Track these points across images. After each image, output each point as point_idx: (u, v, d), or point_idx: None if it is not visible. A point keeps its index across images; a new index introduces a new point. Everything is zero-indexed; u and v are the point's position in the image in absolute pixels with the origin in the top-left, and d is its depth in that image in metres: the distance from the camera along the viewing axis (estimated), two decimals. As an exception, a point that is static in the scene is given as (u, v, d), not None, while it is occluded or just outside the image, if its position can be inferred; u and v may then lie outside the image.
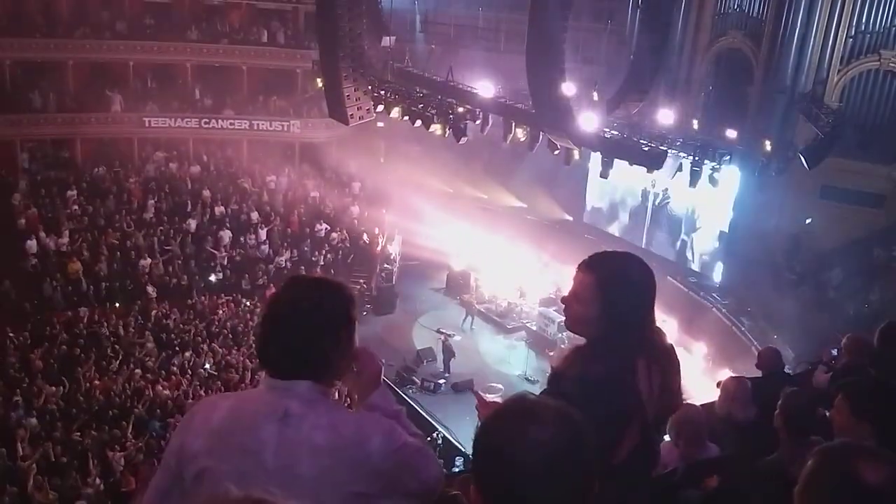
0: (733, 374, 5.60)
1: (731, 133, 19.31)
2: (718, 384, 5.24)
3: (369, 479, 1.95)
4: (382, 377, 2.24)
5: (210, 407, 2.09)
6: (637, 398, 2.20)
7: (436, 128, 20.29)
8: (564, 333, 20.67)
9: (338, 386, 2.28)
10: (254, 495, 1.13)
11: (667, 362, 2.31)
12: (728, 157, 18.82)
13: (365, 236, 25.47)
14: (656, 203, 24.27)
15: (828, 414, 3.92)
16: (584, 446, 1.42)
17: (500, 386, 18.68)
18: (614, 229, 25.99)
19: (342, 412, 2.08)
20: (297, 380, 1.98)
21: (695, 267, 23.46)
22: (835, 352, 6.61)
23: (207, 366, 18.25)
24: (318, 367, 2.01)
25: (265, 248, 24.03)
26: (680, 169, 19.06)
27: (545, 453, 1.37)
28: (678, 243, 23.73)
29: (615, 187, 24.94)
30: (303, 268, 23.25)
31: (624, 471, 2.20)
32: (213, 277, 22.62)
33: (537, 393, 2.56)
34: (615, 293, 2.20)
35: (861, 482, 1.54)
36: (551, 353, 20.31)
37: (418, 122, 20.72)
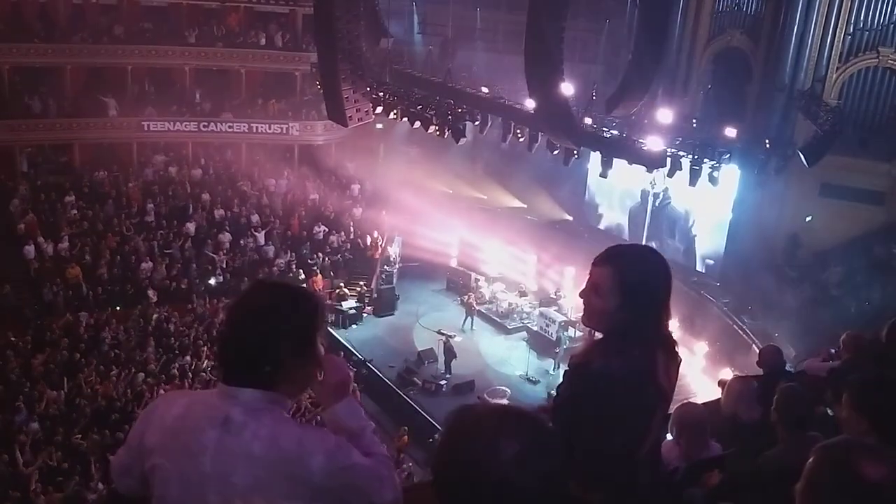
0: (738, 374, 5.58)
1: (731, 131, 19.30)
2: (720, 383, 5.20)
3: (306, 496, 1.90)
4: (353, 387, 2.17)
5: (168, 403, 2.07)
6: (660, 391, 2.20)
7: (434, 129, 20.30)
8: (565, 333, 20.71)
9: (297, 397, 2.22)
10: None
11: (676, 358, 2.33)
12: (727, 155, 18.82)
13: (365, 238, 25.47)
14: (657, 204, 24.26)
15: (829, 411, 3.93)
16: (553, 454, 1.40)
17: (506, 389, 18.67)
18: (614, 228, 25.99)
19: (287, 425, 1.98)
20: (244, 387, 1.93)
21: (696, 266, 23.46)
22: (834, 350, 6.61)
23: (209, 364, 18.23)
24: (270, 374, 1.94)
25: (265, 250, 24.02)
26: (679, 168, 19.05)
27: (517, 463, 1.35)
28: (679, 243, 23.71)
29: (613, 187, 24.94)
30: (302, 270, 23.27)
31: (644, 466, 2.20)
32: (212, 281, 22.61)
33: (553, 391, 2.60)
34: (633, 285, 2.19)
35: (862, 479, 1.54)
36: (557, 350, 20.34)
37: (417, 124, 20.73)
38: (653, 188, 23.95)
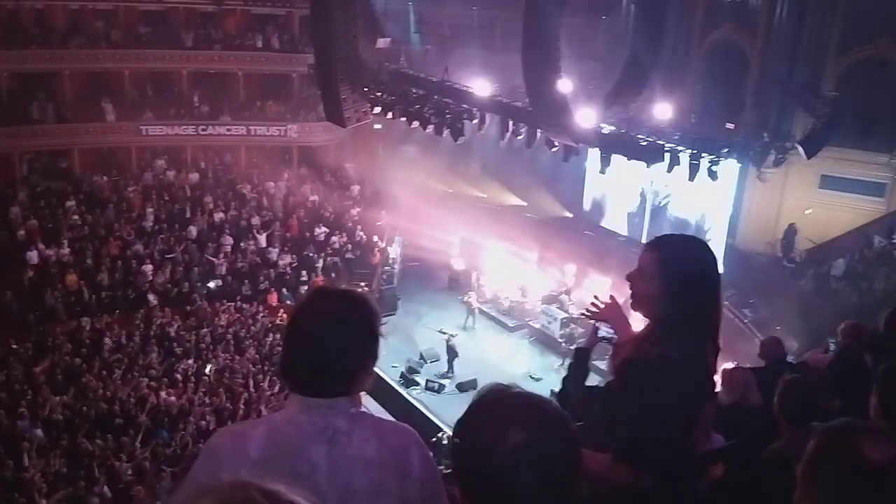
0: (737, 364, 5.62)
1: (729, 125, 19.30)
2: (721, 374, 5.21)
3: (411, 489, 1.96)
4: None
5: (239, 437, 2.00)
6: (711, 381, 2.27)
7: (433, 128, 20.29)
8: (567, 330, 20.71)
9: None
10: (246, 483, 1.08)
11: None
12: (726, 149, 18.82)
13: (365, 238, 25.48)
14: (656, 202, 24.24)
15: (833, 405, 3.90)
16: (565, 441, 1.40)
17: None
18: (614, 226, 25.98)
19: (382, 423, 2.08)
20: (335, 397, 1.96)
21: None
22: (833, 342, 6.62)
23: (208, 369, 18.27)
24: (352, 382, 2.00)
25: (266, 252, 24.04)
26: (678, 163, 19.05)
27: (525, 452, 1.35)
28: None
29: (613, 183, 24.94)
30: (304, 272, 23.29)
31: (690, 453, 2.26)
32: (213, 284, 22.63)
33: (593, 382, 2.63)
34: (676, 272, 2.24)
35: (864, 460, 1.53)
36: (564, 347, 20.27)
37: (415, 123, 20.72)
38: (651, 185, 23.96)
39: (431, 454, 2.06)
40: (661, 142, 18.52)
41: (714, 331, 2.32)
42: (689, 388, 2.15)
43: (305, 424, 1.94)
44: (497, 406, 1.43)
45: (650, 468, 2.17)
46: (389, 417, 18.45)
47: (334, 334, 1.95)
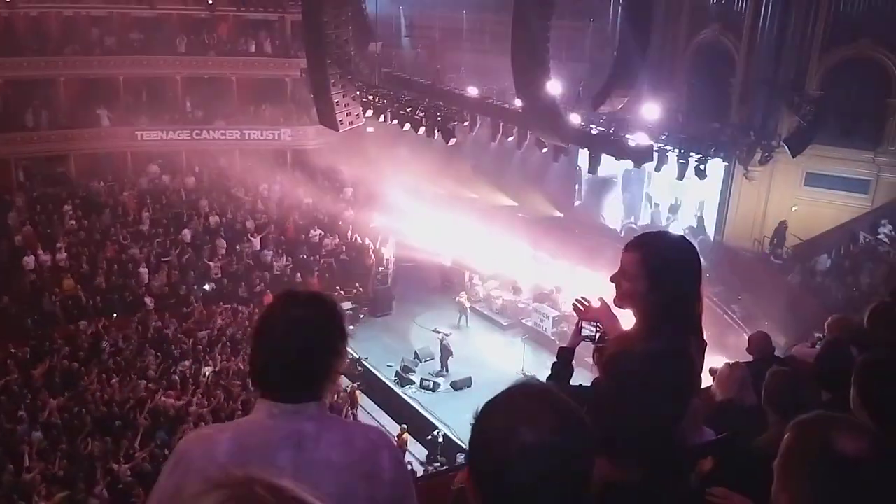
0: (728, 360, 5.71)
1: (716, 125, 19.62)
2: (711, 371, 5.30)
3: (381, 492, 1.95)
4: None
5: (208, 442, 1.97)
6: (696, 374, 2.25)
7: (424, 130, 20.56)
8: (559, 328, 20.98)
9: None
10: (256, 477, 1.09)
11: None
12: (713, 148, 19.12)
13: (359, 240, 25.74)
14: (656, 203, 24.52)
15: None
16: (580, 438, 1.38)
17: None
18: (606, 224, 26.26)
19: (350, 425, 2.09)
20: (304, 402, 1.93)
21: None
22: (819, 336, 6.75)
23: (207, 371, 18.47)
24: (320, 386, 1.97)
25: (261, 255, 24.27)
26: (666, 162, 19.36)
27: (538, 450, 1.34)
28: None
29: (604, 183, 25.25)
30: (299, 274, 23.53)
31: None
32: (209, 286, 22.85)
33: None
34: (659, 269, 2.27)
35: (837, 452, 1.54)
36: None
37: (407, 126, 20.98)
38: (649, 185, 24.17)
39: (402, 456, 2.10)
40: (648, 141, 18.81)
41: (698, 326, 2.34)
42: (673, 383, 2.13)
43: (272, 430, 1.91)
44: (510, 403, 1.41)
45: (637, 463, 2.17)
46: (385, 416, 18.74)
47: (300, 339, 1.92)
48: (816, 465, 1.58)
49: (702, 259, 2.38)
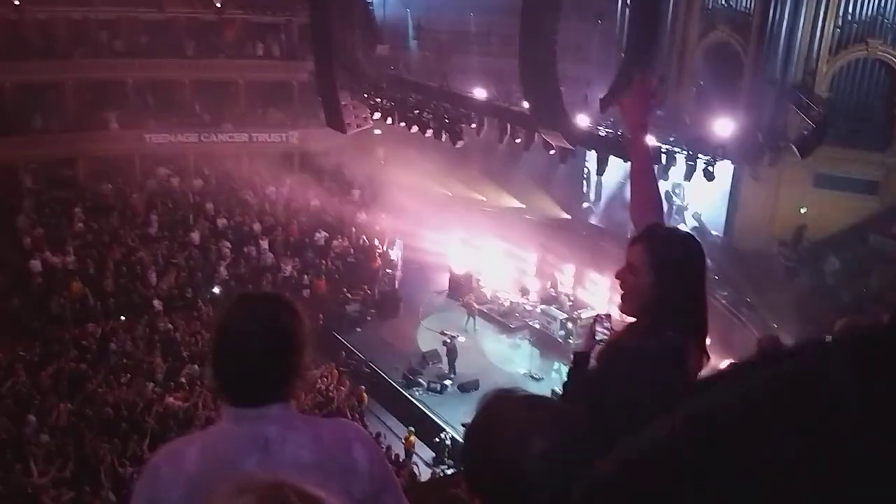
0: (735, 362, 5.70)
1: (724, 126, 19.56)
2: None
3: (358, 486, 1.94)
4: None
5: (176, 455, 1.95)
6: (689, 376, 2.18)
7: (432, 132, 20.58)
8: (567, 329, 20.93)
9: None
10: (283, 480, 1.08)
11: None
12: (721, 149, 19.07)
13: (366, 242, 25.76)
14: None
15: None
16: (583, 449, 1.34)
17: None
18: (612, 226, 26.20)
19: (318, 423, 2.03)
20: (270, 403, 1.91)
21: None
22: (829, 338, 6.75)
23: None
24: (283, 388, 1.94)
25: (268, 257, 24.31)
26: (674, 163, 19.32)
27: (544, 459, 1.33)
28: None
29: (611, 184, 25.19)
30: (306, 276, 23.56)
31: None
32: (217, 289, 22.89)
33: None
34: (664, 261, 2.22)
35: None
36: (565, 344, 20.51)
37: (415, 128, 21.01)
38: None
39: (377, 446, 2.03)
40: (656, 143, 18.79)
41: (700, 328, 2.28)
42: (662, 381, 2.08)
43: (237, 435, 1.90)
44: (506, 417, 1.39)
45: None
46: (392, 418, 18.75)
47: (259, 342, 1.89)
48: None
49: (708, 261, 2.34)
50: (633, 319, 2.37)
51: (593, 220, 26.62)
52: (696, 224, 23.33)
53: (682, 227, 23.25)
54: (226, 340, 1.94)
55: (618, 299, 2.39)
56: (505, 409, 1.41)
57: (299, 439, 1.92)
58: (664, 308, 2.21)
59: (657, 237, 2.31)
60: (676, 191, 23.71)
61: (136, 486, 1.99)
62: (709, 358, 2.30)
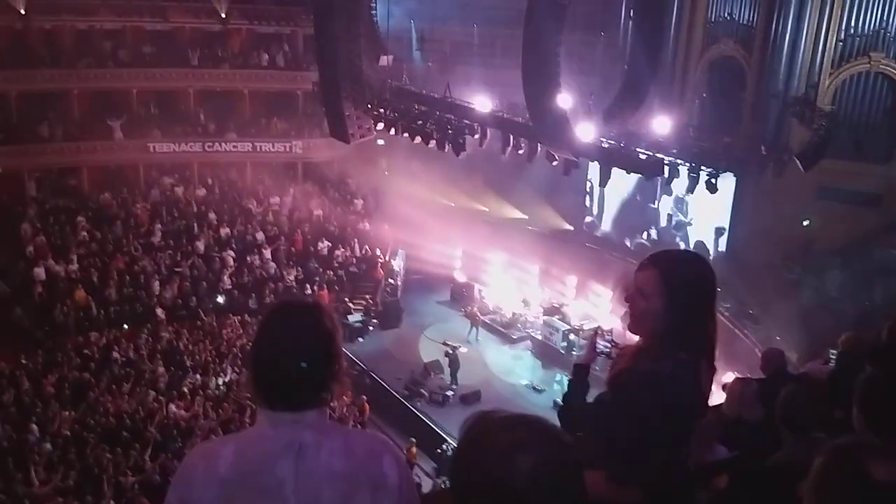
0: (738, 376, 5.67)
1: (727, 139, 19.60)
2: (724, 387, 5.28)
3: (387, 500, 1.96)
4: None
5: (210, 455, 1.98)
6: (702, 397, 2.24)
7: (435, 143, 20.60)
8: (569, 341, 20.90)
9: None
10: None
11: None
12: (724, 162, 19.09)
13: (369, 252, 25.77)
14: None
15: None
16: (568, 466, 1.39)
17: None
18: (614, 238, 26.21)
19: (352, 433, 2.09)
20: (304, 410, 1.94)
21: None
22: (833, 353, 6.67)
23: (220, 382, 18.49)
24: (319, 394, 1.98)
25: (271, 267, 24.32)
26: (677, 176, 19.33)
27: (532, 477, 1.33)
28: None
29: (614, 196, 25.21)
30: (308, 286, 23.56)
31: (678, 468, 2.21)
32: (220, 298, 22.90)
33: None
34: (678, 286, 2.23)
35: (868, 478, 1.56)
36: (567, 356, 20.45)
37: (418, 139, 21.04)
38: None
39: (405, 461, 2.07)
40: (660, 155, 18.81)
41: (710, 349, 2.30)
42: (677, 404, 2.12)
43: (272, 440, 1.92)
44: (492, 434, 1.40)
45: (637, 484, 2.15)
46: (394, 429, 18.70)
47: (304, 348, 1.94)
48: (846, 490, 1.59)
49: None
50: (636, 337, 2.39)
51: (596, 234, 26.64)
52: (701, 239, 23.37)
53: (682, 243, 23.34)
54: (270, 346, 1.98)
55: (620, 311, 2.47)
56: (492, 425, 1.42)
57: (333, 447, 1.94)
58: (676, 331, 2.23)
59: (669, 263, 2.31)
60: (680, 206, 23.75)
61: (171, 488, 2.00)
62: (715, 370, 2.32)
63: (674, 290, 2.23)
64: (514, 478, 1.33)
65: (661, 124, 19.28)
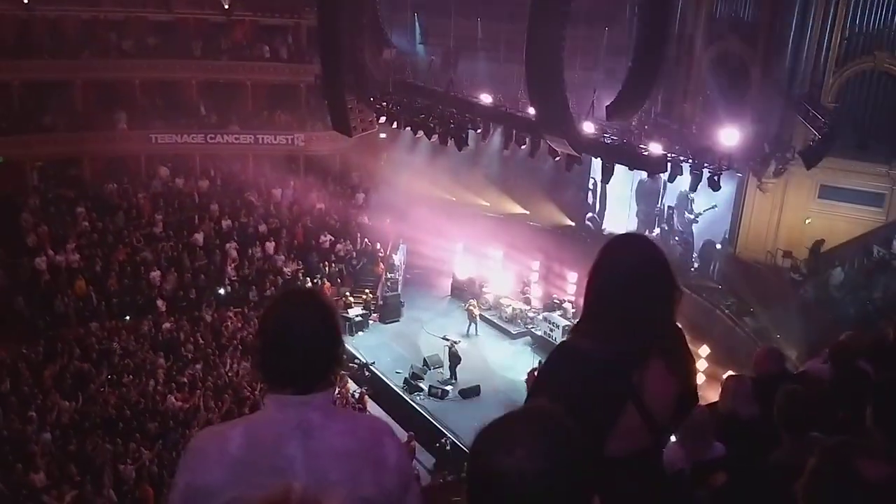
0: (740, 374, 5.63)
1: (730, 136, 19.55)
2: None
3: (389, 479, 2.02)
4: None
5: (218, 438, 2.02)
6: (628, 386, 2.08)
7: (437, 138, 20.59)
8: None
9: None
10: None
11: (687, 366, 2.25)
12: (727, 160, 19.05)
13: (370, 246, 25.77)
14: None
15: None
16: (574, 453, 1.36)
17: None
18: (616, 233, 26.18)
19: (355, 416, 2.22)
20: (311, 392, 2.00)
21: (696, 269, 23.64)
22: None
23: (224, 371, 18.54)
24: (325, 377, 2.04)
25: (273, 259, 24.33)
26: (680, 173, 19.29)
27: (534, 468, 1.31)
28: (680, 245, 23.84)
29: (615, 191, 25.17)
30: (309, 279, 23.57)
31: (628, 466, 2.09)
32: (221, 290, 22.92)
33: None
34: (597, 265, 2.16)
35: (863, 479, 1.56)
36: None
37: (420, 133, 21.03)
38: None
39: (404, 445, 2.14)
40: (662, 152, 18.77)
41: (664, 343, 2.15)
42: (589, 385, 2.01)
43: (281, 421, 1.98)
44: (504, 431, 1.39)
45: None
46: (393, 422, 18.72)
47: (314, 334, 2.01)
48: (839, 490, 1.60)
49: (672, 271, 2.15)
50: None
51: (598, 229, 26.60)
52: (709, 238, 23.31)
53: (688, 238, 23.26)
54: (273, 333, 2.03)
55: None
56: (507, 421, 1.41)
57: (338, 428, 2.01)
58: (596, 310, 2.15)
59: (607, 246, 2.20)
60: (685, 204, 23.69)
61: (181, 466, 2.04)
62: (677, 375, 2.16)
63: (594, 268, 2.16)
64: (523, 475, 1.31)
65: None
